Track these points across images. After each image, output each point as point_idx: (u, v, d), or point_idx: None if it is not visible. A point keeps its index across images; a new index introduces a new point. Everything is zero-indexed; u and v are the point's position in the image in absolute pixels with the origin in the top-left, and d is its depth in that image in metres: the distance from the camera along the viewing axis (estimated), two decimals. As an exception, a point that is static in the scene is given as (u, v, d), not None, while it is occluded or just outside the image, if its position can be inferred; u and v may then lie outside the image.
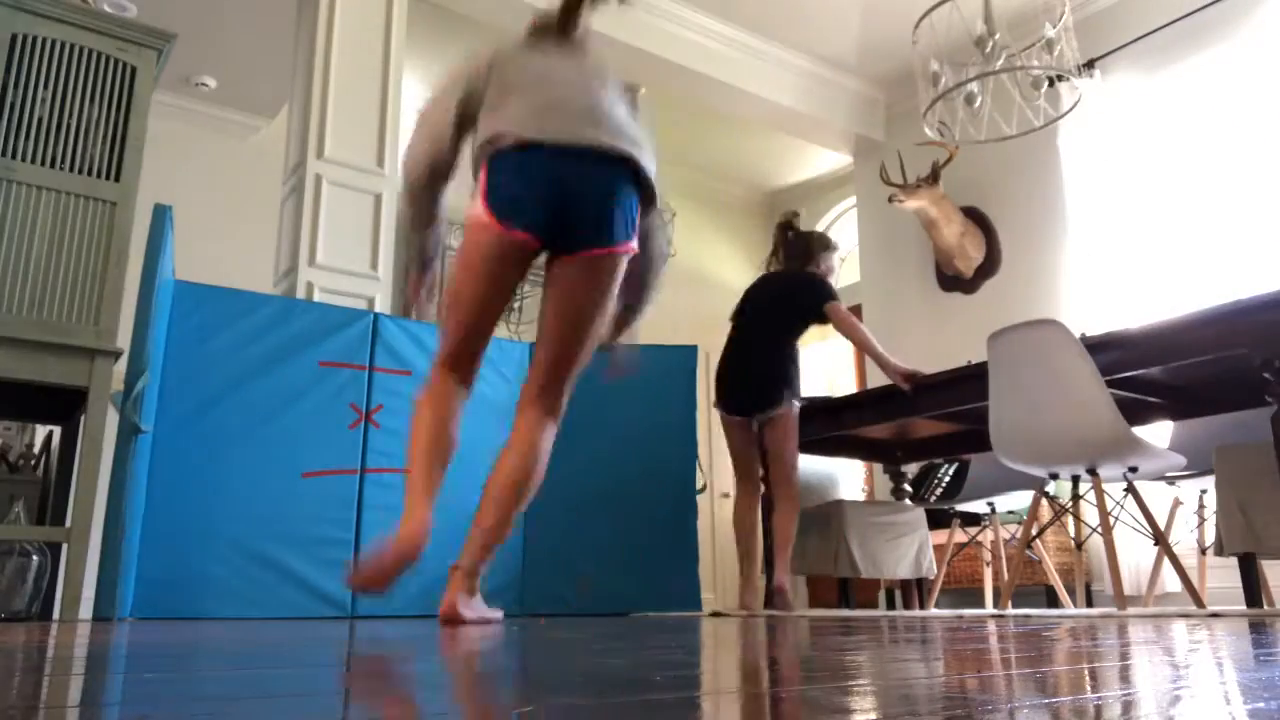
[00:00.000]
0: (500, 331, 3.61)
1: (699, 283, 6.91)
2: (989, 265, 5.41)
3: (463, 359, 2.23)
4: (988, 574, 4.16)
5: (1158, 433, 3.71)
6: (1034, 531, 3.45)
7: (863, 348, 3.73)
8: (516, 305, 5.83)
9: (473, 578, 2.08)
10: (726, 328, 3.97)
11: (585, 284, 2.18)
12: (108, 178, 2.96)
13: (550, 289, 2.23)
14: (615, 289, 2.25)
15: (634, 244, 2.23)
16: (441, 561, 2.14)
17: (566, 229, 2.16)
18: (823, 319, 3.76)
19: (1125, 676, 0.69)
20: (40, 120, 2.90)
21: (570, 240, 2.17)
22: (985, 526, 4.16)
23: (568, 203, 2.14)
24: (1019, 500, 4.06)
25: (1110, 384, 2.86)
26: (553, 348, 2.23)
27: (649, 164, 2.24)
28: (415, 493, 2.07)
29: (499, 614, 2.20)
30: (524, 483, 2.20)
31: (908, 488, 4.41)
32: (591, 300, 2.20)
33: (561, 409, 2.30)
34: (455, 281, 2.20)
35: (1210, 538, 3.49)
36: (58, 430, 3.40)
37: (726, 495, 6.60)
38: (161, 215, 2.99)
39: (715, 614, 3.64)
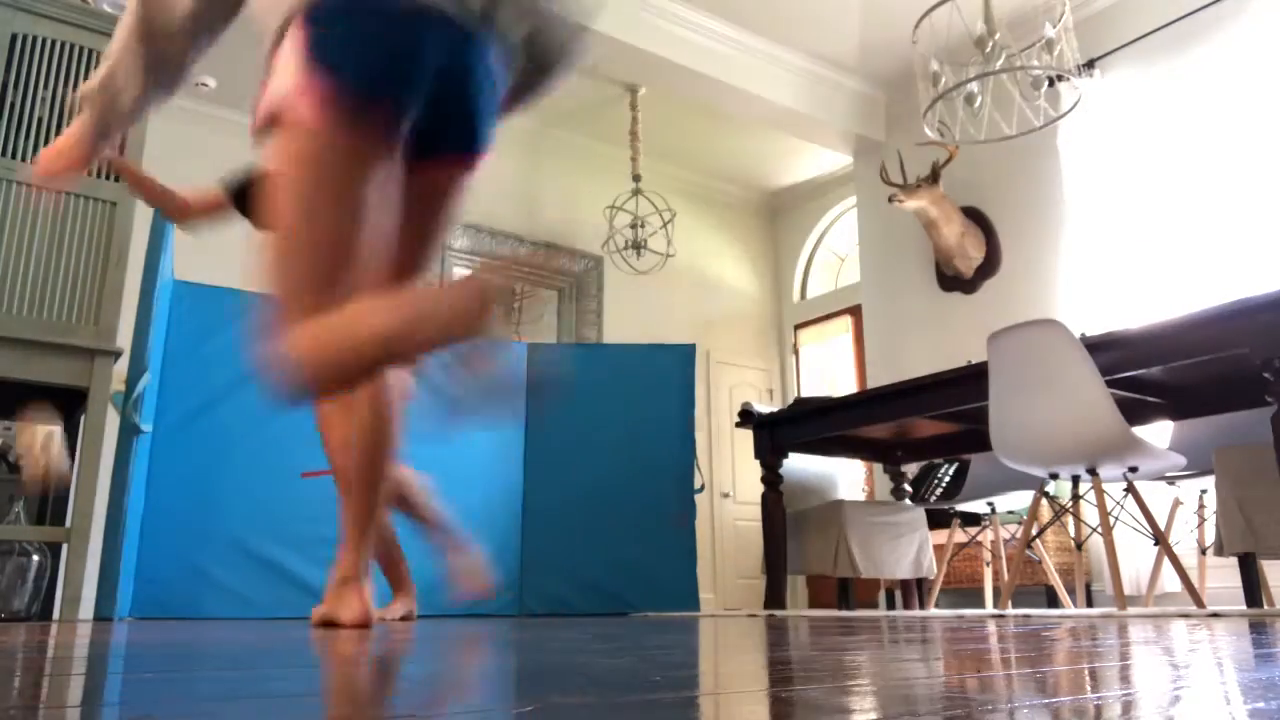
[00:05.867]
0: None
1: (698, 283, 6.90)
2: (989, 265, 5.41)
3: None
4: (988, 574, 4.16)
5: (1158, 433, 3.71)
6: (1034, 531, 3.45)
7: None
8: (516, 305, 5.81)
9: None
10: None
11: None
12: (108, 178, 2.96)
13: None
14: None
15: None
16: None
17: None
18: None
19: (1125, 676, 0.69)
20: (40, 120, 2.90)
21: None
22: (985, 526, 4.15)
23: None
24: (1019, 500, 4.06)
25: (1110, 384, 2.86)
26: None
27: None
28: None
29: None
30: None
31: (908, 488, 4.41)
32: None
33: None
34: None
35: (1210, 538, 3.49)
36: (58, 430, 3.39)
37: (726, 495, 6.59)
38: (161, 215, 2.99)
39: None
